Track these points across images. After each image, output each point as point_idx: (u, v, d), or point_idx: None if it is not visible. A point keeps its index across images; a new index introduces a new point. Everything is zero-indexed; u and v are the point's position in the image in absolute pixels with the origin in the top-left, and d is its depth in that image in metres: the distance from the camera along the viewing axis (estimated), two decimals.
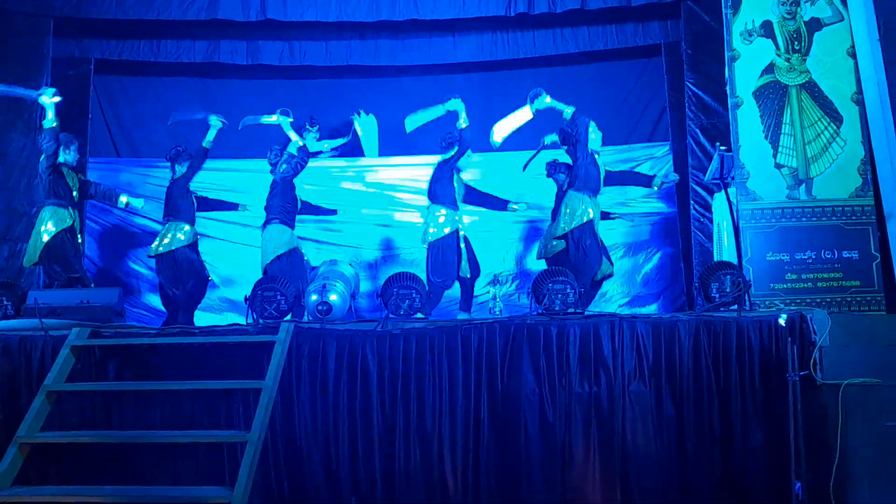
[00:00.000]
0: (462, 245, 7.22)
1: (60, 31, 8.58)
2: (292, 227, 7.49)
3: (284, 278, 6.13)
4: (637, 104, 9.50)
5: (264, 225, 7.42)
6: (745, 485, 4.95)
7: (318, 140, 8.99)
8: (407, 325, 5.33)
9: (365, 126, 9.44)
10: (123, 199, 7.56)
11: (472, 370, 5.11)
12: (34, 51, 8.36)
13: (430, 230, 7.15)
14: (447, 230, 7.11)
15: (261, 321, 5.53)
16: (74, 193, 7.23)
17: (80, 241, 7.36)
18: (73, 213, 7.13)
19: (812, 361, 4.91)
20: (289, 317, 5.69)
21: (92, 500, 4.66)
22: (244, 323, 5.66)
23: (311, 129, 8.80)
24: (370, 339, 5.18)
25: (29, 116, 8.17)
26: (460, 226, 7.26)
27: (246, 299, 5.67)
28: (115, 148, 9.52)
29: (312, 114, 9.16)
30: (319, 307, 5.91)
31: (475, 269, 7.32)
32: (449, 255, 7.11)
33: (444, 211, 7.18)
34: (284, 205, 7.45)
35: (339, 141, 9.35)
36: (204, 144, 7.71)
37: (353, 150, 9.47)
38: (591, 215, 6.92)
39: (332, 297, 5.93)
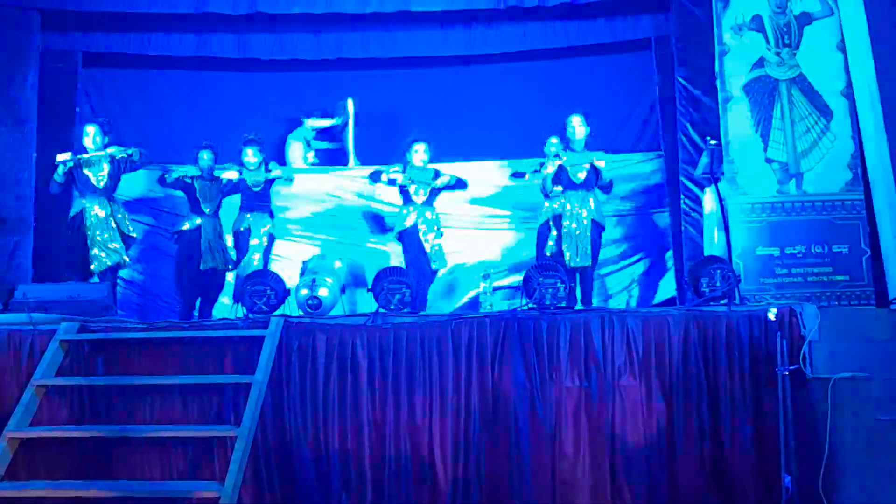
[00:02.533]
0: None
1: (48, 24, 8.52)
2: None
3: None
4: (626, 99, 9.51)
5: None
6: (734, 478, 4.95)
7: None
8: (397, 319, 5.31)
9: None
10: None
11: (462, 364, 5.10)
12: (22, 44, 8.31)
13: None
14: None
15: (250, 315, 5.52)
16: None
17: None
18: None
19: (802, 355, 4.92)
20: (279, 311, 5.66)
21: (81, 494, 4.64)
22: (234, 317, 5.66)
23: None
24: (360, 334, 5.17)
25: (17, 110, 8.12)
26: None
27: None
28: None
29: (303, 106, 9.21)
30: (309, 301, 5.90)
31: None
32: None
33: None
34: None
35: (329, 121, 9.39)
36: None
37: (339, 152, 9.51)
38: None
39: (322, 292, 5.93)
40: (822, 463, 4.77)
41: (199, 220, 7.73)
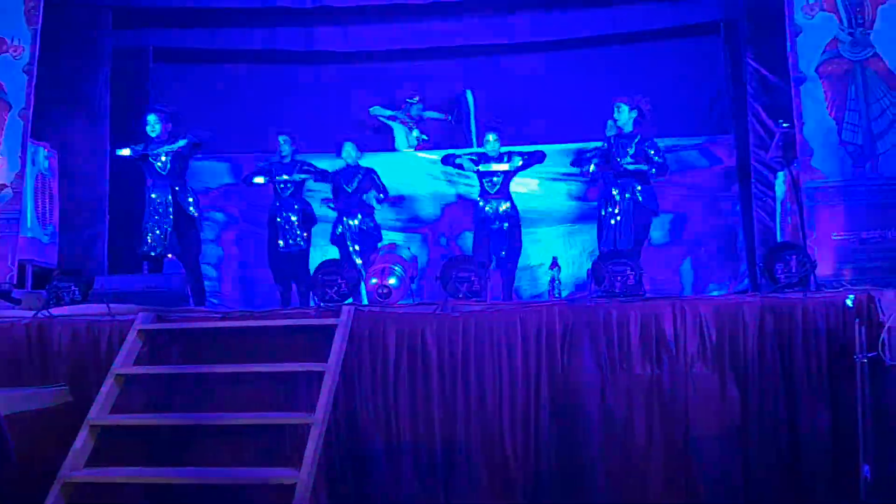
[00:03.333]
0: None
1: (119, 22, 8.72)
2: None
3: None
4: (694, 83, 9.39)
5: None
6: (809, 467, 4.85)
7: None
8: (466, 308, 5.32)
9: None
10: None
11: (531, 352, 5.08)
12: (94, 42, 8.54)
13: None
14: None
15: (322, 305, 5.57)
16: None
17: None
18: None
19: (880, 342, 4.79)
20: (349, 300, 5.72)
21: (160, 481, 4.77)
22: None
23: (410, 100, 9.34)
24: (429, 323, 5.18)
25: (90, 106, 8.32)
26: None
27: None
28: None
29: (368, 97, 9.27)
30: (379, 290, 5.95)
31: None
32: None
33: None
34: None
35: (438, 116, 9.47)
36: None
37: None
38: None
39: (392, 281, 5.97)
40: None
41: (277, 203, 8.07)
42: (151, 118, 7.48)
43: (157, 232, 7.33)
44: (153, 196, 7.39)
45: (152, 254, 7.30)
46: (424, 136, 9.58)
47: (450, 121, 9.60)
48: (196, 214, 7.58)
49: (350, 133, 9.04)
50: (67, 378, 5.22)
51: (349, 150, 8.27)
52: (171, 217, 7.35)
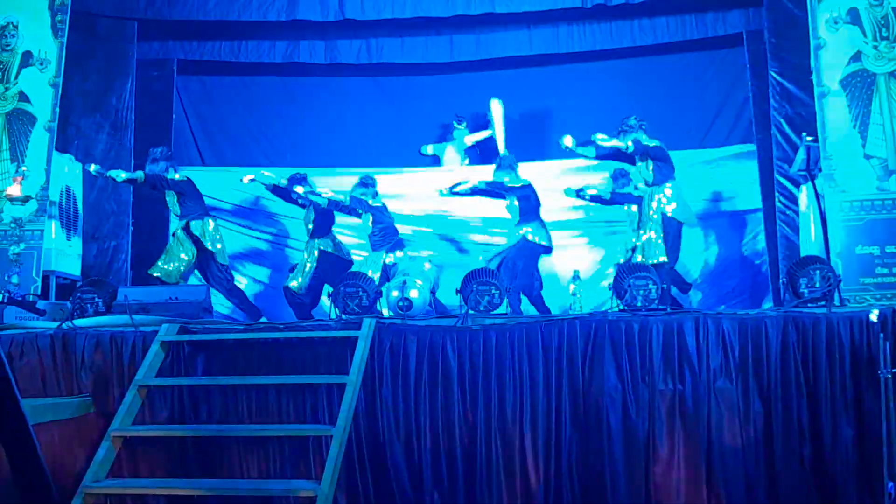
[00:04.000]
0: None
1: (144, 34, 8.80)
2: None
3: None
4: (716, 96, 9.40)
5: None
6: (834, 481, 4.81)
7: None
8: (487, 321, 5.32)
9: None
10: None
11: (552, 366, 5.06)
12: (119, 53, 8.61)
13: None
14: None
15: (343, 317, 5.59)
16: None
17: None
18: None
19: None
20: (371, 312, 5.73)
21: (182, 492, 4.78)
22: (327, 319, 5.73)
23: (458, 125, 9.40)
24: (450, 335, 5.18)
25: (116, 118, 8.39)
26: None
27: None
28: (197, 147, 9.74)
29: (391, 109, 9.28)
30: (400, 303, 5.96)
31: None
32: None
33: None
34: None
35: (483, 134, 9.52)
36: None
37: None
38: None
39: (413, 294, 5.98)
40: None
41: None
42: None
43: (170, 265, 7.53)
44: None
45: (161, 275, 7.49)
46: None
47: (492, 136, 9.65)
48: (214, 249, 7.73)
49: (371, 146, 9.12)
50: (91, 389, 5.24)
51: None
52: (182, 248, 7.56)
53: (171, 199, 7.69)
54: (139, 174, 7.54)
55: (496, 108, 9.41)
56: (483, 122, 9.67)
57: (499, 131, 9.41)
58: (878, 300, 6.00)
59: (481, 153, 9.82)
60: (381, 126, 9.73)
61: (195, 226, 7.55)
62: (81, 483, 4.52)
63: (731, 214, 8.85)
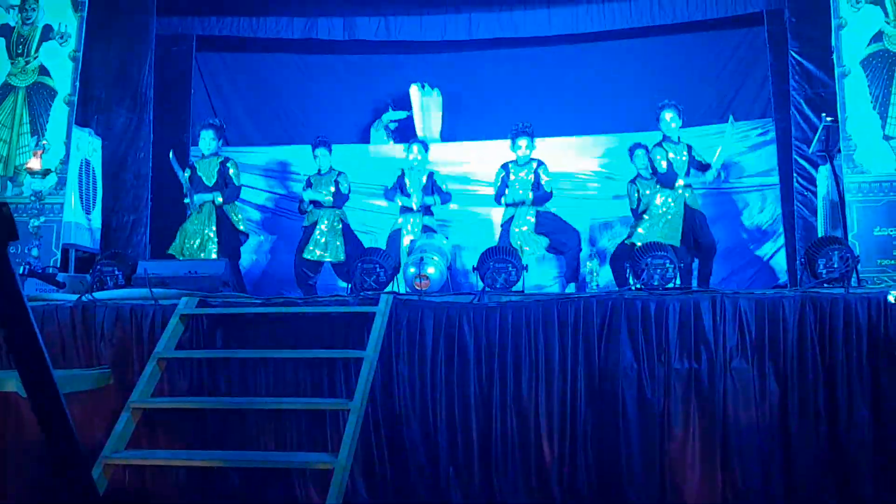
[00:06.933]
0: None
1: (163, 9, 8.79)
2: None
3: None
4: (735, 75, 9.33)
5: None
6: (850, 461, 4.81)
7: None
8: (503, 298, 5.33)
9: (425, 101, 9.50)
10: None
11: (568, 344, 5.07)
12: (139, 28, 8.59)
13: None
14: None
15: (361, 293, 5.61)
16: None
17: None
18: None
19: None
20: (388, 288, 5.76)
21: (200, 464, 4.84)
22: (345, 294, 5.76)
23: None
24: (467, 312, 5.19)
25: (135, 92, 8.41)
26: None
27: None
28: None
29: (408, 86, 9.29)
30: (417, 279, 5.98)
31: None
32: None
33: None
34: None
35: (400, 114, 9.49)
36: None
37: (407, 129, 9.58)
38: None
39: (430, 270, 6.00)
40: None
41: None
42: (208, 135, 7.66)
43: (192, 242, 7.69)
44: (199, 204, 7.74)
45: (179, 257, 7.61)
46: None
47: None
48: (245, 233, 8.04)
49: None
50: (110, 361, 5.28)
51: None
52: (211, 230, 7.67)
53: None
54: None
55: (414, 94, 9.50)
56: (502, 100, 9.65)
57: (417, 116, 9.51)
58: None
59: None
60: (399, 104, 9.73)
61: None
62: (101, 453, 4.56)
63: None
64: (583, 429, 4.99)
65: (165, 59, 8.88)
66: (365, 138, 9.46)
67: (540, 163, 7.85)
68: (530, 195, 7.70)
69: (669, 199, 7.34)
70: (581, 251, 7.80)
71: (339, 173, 8.24)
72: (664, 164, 7.38)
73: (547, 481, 4.98)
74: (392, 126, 9.77)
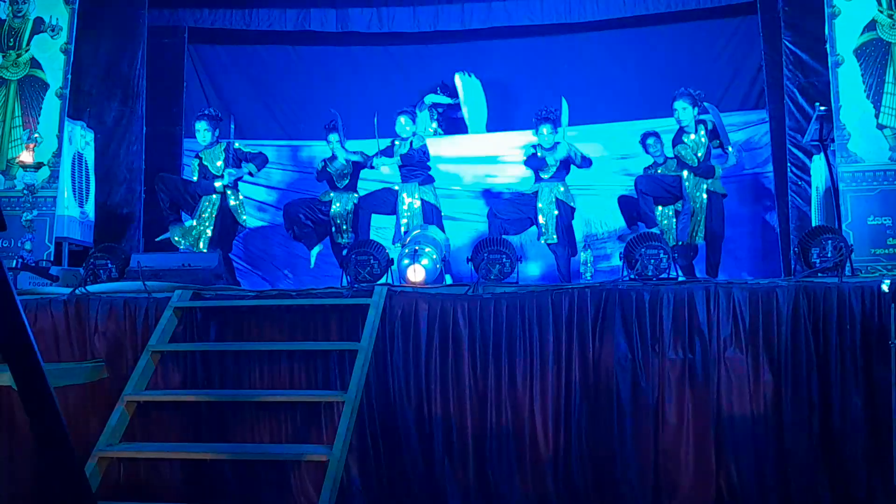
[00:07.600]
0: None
1: (154, 1, 8.76)
2: None
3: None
4: (730, 65, 9.33)
5: None
6: (844, 451, 4.83)
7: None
8: (498, 289, 5.33)
9: (469, 88, 9.49)
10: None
11: (562, 335, 5.08)
12: (130, 20, 8.55)
13: None
14: None
15: (355, 285, 5.61)
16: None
17: None
18: None
19: None
20: (382, 280, 5.75)
21: (194, 456, 4.84)
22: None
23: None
24: (461, 303, 5.20)
25: (127, 85, 8.38)
26: None
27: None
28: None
29: (404, 79, 9.23)
30: (411, 271, 5.97)
31: None
32: None
33: None
34: None
35: (446, 100, 9.45)
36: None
37: (455, 121, 9.55)
38: None
39: (424, 262, 5.99)
40: None
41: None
42: (202, 126, 7.61)
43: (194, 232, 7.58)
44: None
45: (181, 245, 7.52)
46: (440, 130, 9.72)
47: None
48: (246, 226, 8.04)
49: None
50: (104, 354, 5.29)
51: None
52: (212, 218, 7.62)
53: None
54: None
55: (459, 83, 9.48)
56: (497, 91, 9.64)
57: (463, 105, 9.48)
58: (890, 270, 6.00)
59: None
60: (395, 96, 9.68)
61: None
62: (95, 447, 4.56)
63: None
64: (577, 419, 5.00)
65: (157, 51, 8.83)
66: (360, 133, 9.40)
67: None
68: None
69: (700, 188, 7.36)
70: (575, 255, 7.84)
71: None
72: (696, 157, 7.34)
73: (541, 471, 4.99)
74: (439, 110, 9.73)
